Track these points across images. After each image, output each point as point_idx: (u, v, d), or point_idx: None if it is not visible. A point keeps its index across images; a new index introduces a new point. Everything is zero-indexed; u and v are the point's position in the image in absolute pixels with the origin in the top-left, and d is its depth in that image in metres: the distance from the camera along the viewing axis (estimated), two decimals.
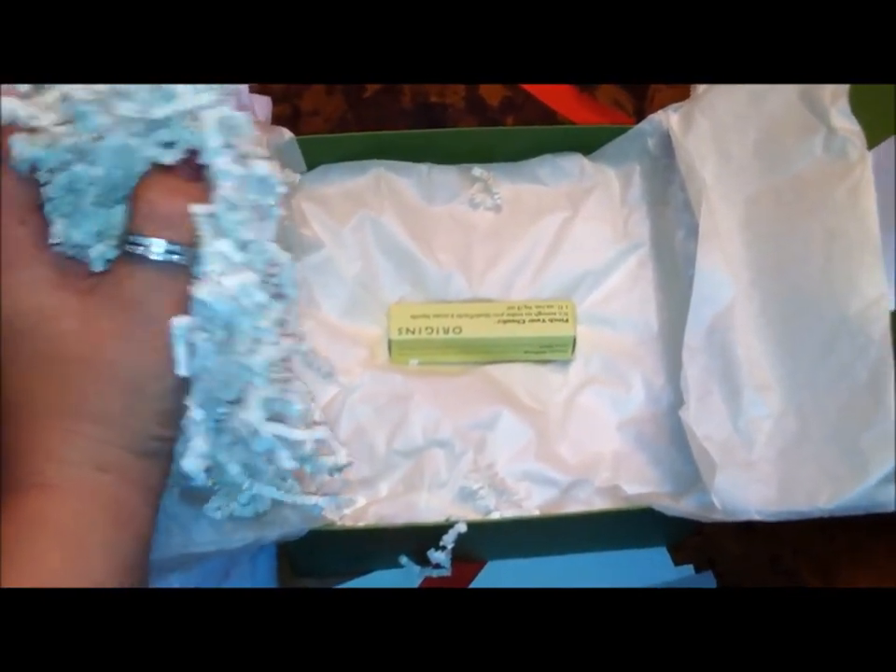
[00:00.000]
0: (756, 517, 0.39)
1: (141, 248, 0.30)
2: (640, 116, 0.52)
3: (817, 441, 0.39)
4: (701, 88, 0.47)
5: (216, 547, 0.38)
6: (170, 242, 0.30)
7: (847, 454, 0.37)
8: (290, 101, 0.58)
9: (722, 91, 0.45)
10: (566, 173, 0.51)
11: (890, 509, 0.36)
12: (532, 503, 0.47)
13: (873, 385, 0.37)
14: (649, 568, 0.50)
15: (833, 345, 0.39)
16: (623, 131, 0.50)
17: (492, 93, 0.58)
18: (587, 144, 0.51)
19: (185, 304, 0.30)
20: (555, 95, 0.57)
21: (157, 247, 0.30)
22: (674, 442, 0.47)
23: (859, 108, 0.40)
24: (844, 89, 0.40)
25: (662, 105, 0.49)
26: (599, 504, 0.46)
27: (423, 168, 0.51)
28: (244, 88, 0.49)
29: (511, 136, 0.51)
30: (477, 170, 0.51)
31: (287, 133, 0.48)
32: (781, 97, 0.43)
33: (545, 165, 0.52)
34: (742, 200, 0.43)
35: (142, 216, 0.30)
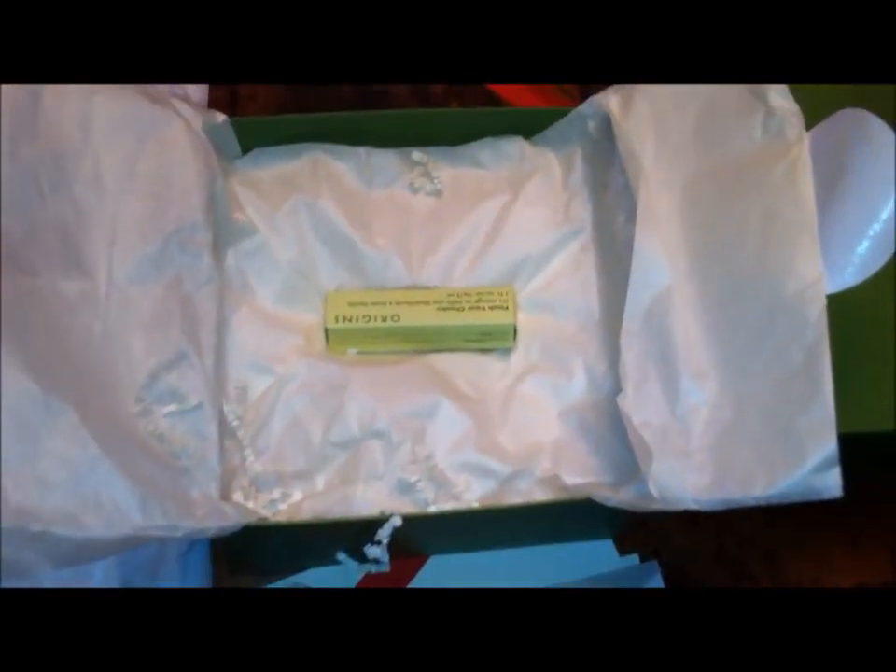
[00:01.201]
0: (692, 506, 0.38)
1: None
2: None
3: (753, 427, 0.38)
4: None
5: (164, 533, 0.37)
6: None
7: (782, 439, 0.36)
8: (227, 85, 0.56)
9: None
10: (506, 156, 0.50)
11: (828, 495, 0.35)
12: (472, 495, 0.46)
13: (809, 369, 0.36)
14: (593, 559, 0.49)
15: (769, 329, 0.38)
16: (564, 113, 0.49)
17: None
18: (528, 127, 0.50)
19: None
20: None
21: None
22: (615, 430, 0.46)
23: (796, 89, 0.39)
24: None
25: None
26: (540, 495, 0.45)
27: (361, 151, 0.50)
28: None
29: (452, 119, 0.50)
30: (416, 154, 0.50)
31: (220, 116, 0.46)
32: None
33: (485, 149, 0.50)
34: (681, 183, 0.43)
35: None
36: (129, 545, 0.38)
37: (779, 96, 0.39)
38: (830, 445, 0.35)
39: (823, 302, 0.36)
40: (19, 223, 0.41)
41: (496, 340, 0.48)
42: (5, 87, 0.41)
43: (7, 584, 0.34)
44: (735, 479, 0.37)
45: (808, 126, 0.39)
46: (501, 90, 0.56)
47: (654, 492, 0.39)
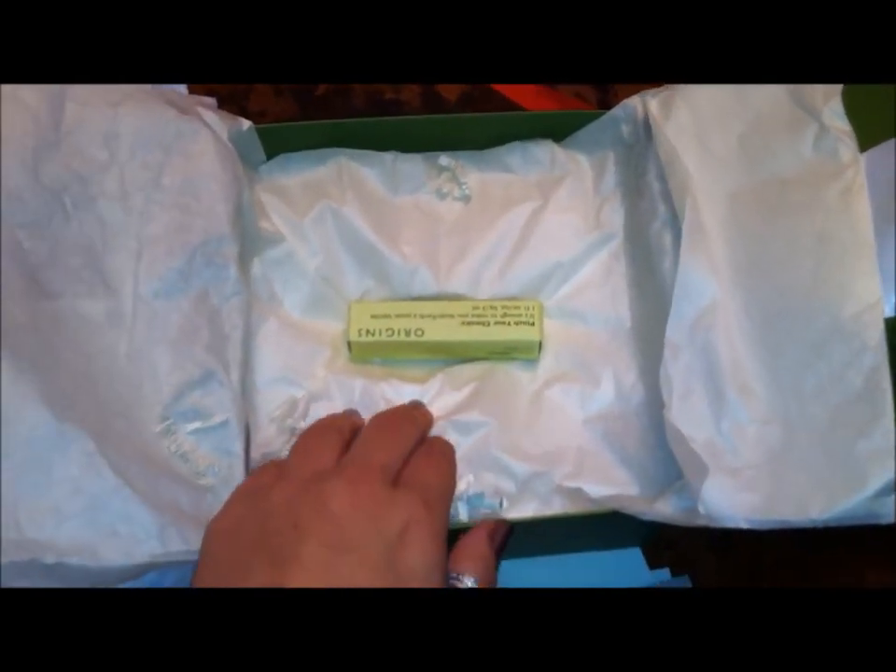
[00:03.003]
0: (744, 525, 0.38)
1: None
2: (603, 107, 0.50)
3: (805, 448, 0.38)
4: None
5: (182, 558, 0.37)
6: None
7: (840, 463, 0.36)
8: (237, 102, 0.54)
9: None
10: (536, 160, 0.49)
11: (888, 520, 0.35)
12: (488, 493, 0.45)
13: (868, 393, 0.36)
14: (623, 572, 0.49)
15: (823, 351, 0.38)
16: (595, 117, 0.48)
17: (449, 89, 0.55)
18: (557, 131, 0.49)
19: None
20: (515, 88, 0.55)
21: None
22: (642, 442, 0.46)
23: (850, 110, 0.39)
24: (837, 88, 0.39)
25: (625, 96, 0.47)
26: (558, 502, 0.45)
27: (387, 157, 0.49)
28: (183, 91, 0.46)
29: (479, 123, 0.49)
30: (444, 158, 0.49)
31: (245, 123, 0.45)
32: (768, 91, 0.41)
33: (514, 153, 0.49)
34: (725, 195, 0.42)
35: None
36: (145, 571, 0.37)
37: (834, 115, 0.39)
38: (890, 471, 0.35)
39: (882, 326, 0.36)
40: (42, 244, 0.40)
41: (521, 353, 0.48)
42: (26, 102, 0.39)
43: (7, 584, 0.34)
44: (788, 500, 0.37)
45: (861, 148, 0.38)
46: (516, 96, 0.55)
47: (702, 509, 0.38)
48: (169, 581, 0.43)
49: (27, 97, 0.39)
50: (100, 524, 0.36)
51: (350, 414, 0.42)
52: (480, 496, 0.44)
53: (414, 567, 0.32)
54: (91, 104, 0.41)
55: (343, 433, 0.38)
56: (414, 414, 0.42)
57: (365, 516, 0.32)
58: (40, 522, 0.35)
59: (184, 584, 0.39)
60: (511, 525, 0.39)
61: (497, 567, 0.36)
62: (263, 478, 0.36)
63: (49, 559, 0.34)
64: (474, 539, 0.37)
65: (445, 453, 0.39)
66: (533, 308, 0.47)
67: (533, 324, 0.46)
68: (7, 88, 0.39)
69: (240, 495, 0.36)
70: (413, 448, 0.38)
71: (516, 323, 0.46)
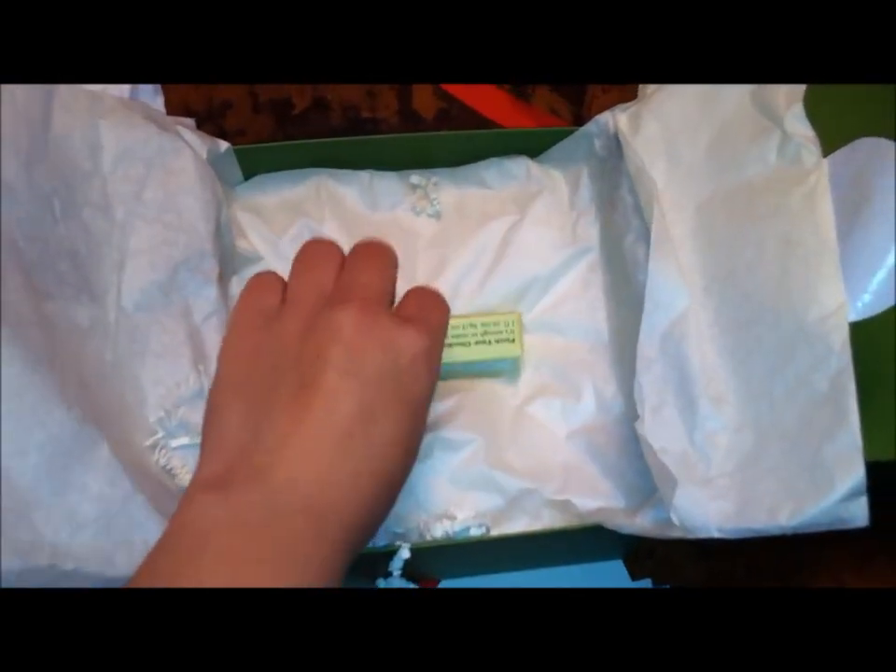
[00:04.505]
0: (716, 534, 0.38)
1: None
2: (578, 122, 0.50)
3: (775, 454, 0.38)
4: (650, 88, 0.45)
5: None
6: None
7: (807, 468, 0.36)
8: (214, 121, 0.54)
9: (672, 93, 0.44)
10: (512, 176, 0.50)
11: (854, 525, 0.35)
12: (478, 512, 0.45)
13: (834, 397, 0.36)
14: (605, 584, 0.49)
15: (790, 356, 0.38)
16: (568, 133, 0.49)
17: (426, 106, 0.55)
18: (530, 148, 0.50)
19: None
20: (491, 104, 0.55)
21: None
22: (625, 453, 0.46)
23: (813, 114, 0.39)
24: (798, 93, 0.39)
25: (599, 111, 0.47)
26: (548, 516, 0.45)
27: (364, 175, 0.49)
28: (161, 109, 0.47)
29: (453, 141, 0.49)
30: (415, 177, 0.49)
31: (223, 144, 0.45)
32: (733, 100, 0.41)
33: (490, 168, 0.50)
34: (693, 205, 0.42)
35: None
36: None
37: (796, 121, 0.39)
38: (858, 474, 0.35)
39: (847, 330, 0.36)
40: (34, 245, 0.40)
41: (502, 369, 0.48)
42: (18, 101, 0.39)
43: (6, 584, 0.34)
44: (759, 507, 0.37)
45: (824, 153, 0.38)
46: (492, 113, 0.55)
47: (675, 520, 0.38)
48: None
49: (19, 97, 0.39)
50: (114, 531, 0.36)
51: (333, 241, 0.41)
52: (465, 530, 0.44)
53: (420, 398, 0.34)
54: (76, 113, 0.41)
55: (336, 257, 0.38)
56: (390, 244, 0.41)
57: (378, 346, 0.33)
58: (57, 526, 0.35)
59: None
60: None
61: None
62: (267, 298, 0.36)
63: (69, 566, 0.34)
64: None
65: (437, 292, 0.39)
66: (512, 324, 0.46)
67: (513, 340, 0.46)
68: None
69: (248, 317, 0.36)
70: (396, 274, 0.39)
71: (497, 341, 0.46)
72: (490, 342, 0.46)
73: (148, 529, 0.36)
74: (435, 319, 0.37)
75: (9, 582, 0.33)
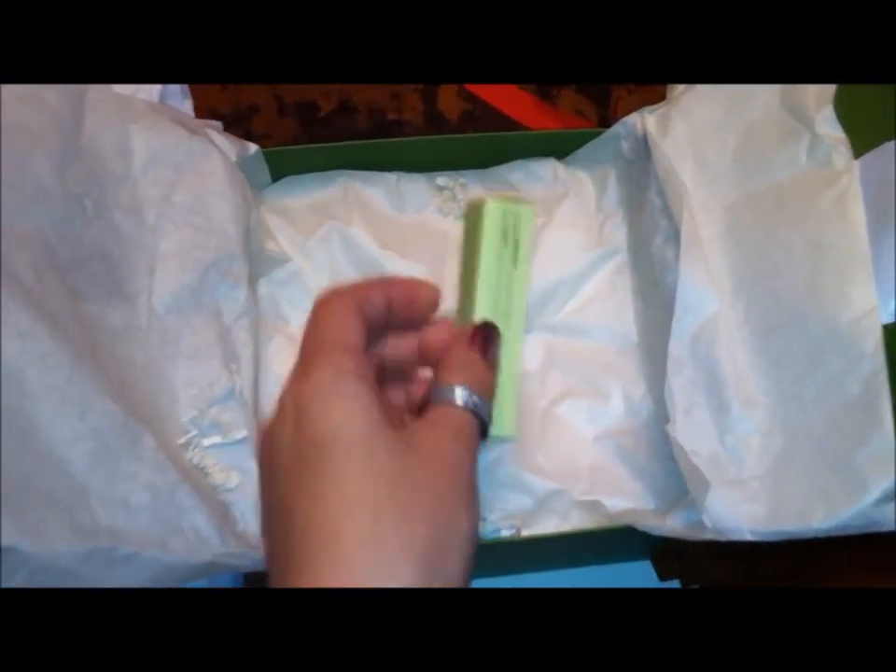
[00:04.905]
0: (749, 537, 0.38)
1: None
2: (603, 123, 0.50)
3: (807, 457, 0.38)
4: (678, 90, 0.45)
5: (237, 561, 0.38)
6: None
7: (840, 471, 0.36)
8: (241, 124, 0.54)
9: (700, 94, 0.44)
10: (538, 178, 0.50)
11: (888, 528, 0.35)
12: (508, 513, 0.45)
13: (866, 400, 0.36)
14: (635, 584, 0.49)
15: (821, 358, 0.38)
16: (595, 135, 0.49)
17: (450, 107, 0.55)
18: (557, 150, 0.50)
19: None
20: (515, 106, 0.55)
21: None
22: (654, 456, 0.46)
23: (843, 116, 0.39)
24: (828, 95, 0.39)
25: (625, 113, 0.47)
26: (577, 517, 0.45)
27: (391, 177, 0.49)
28: (189, 112, 0.47)
29: (480, 143, 0.49)
30: (442, 179, 0.50)
31: (252, 147, 0.46)
32: (762, 102, 0.41)
33: (517, 170, 0.50)
34: (721, 207, 0.42)
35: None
36: (206, 572, 0.38)
37: (826, 123, 0.39)
38: (890, 478, 0.35)
39: (880, 332, 0.36)
40: (66, 246, 0.40)
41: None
42: (50, 103, 0.40)
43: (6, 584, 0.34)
44: (791, 510, 0.37)
45: (854, 155, 0.38)
46: (517, 114, 0.55)
47: (708, 522, 0.38)
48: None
49: (50, 99, 0.40)
50: (166, 518, 0.36)
51: None
52: (496, 531, 0.45)
53: None
54: (107, 116, 0.42)
55: None
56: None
57: None
58: (113, 511, 0.35)
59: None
60: (491, 325, 0.33)
61: (490, 371, 0.32)
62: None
63: (128, 549, 0.35)
64: (455, 348, 0.32)
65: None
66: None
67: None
68: (30, 88, 0.40)
69: None
70: None
71: None
72: None
73: (196, 517, 0.37)
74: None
75: (77, 565, 0.33)
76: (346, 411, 0.27)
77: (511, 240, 0.33)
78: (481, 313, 0.32)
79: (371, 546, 0.25)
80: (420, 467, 0.27)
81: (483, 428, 0.30)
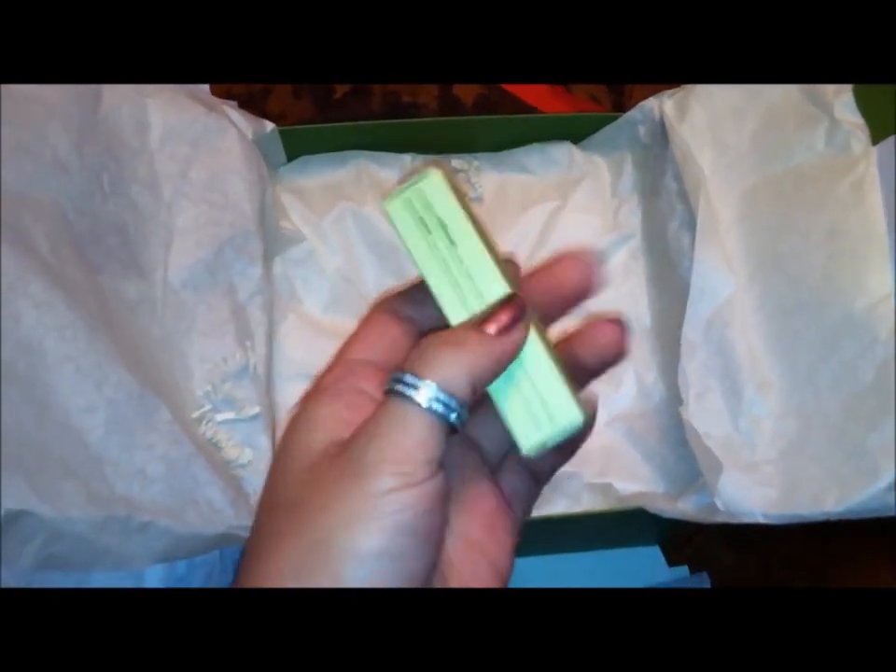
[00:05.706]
0: (761, 520, 0.38)
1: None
2: (618, 109, 0.50)
3: (819, 442, 0.38)
4: None
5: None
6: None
7: (853, 455, 0.36)
8: (256, 105, 0.54)
9: None
10: (554, 162, 0.50)
11: None
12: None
13: (879, 386, 0.36)
14: (643, 569, 0.49)
15: (835, 344, 0.38)
16: (611, 119, 0.49)
17: (466, 91, 0.55)
18: (573, 134, 0.50)
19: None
20: (530, 91, 0.55)
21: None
22: (665, 440, 0.46)
23: (862, 102, 0.39)
24: None
25: (640, 99, 0.47)
26: (587, 499, 0.45)
27: (406, 158, 0.49)
28: (206, 90, 0.47)
29: (496, 126, 0.49)
30: (456, 161, 0.50)
31: (269, 125, 0.46)
32: (781, 87, 0.41)
33: (533, 154, 0.50)
34: (739, 192, 0.42)
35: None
36: (219, 544, 0.38)
37: (846, 109, 0.39)
38: None
39: (893, 320, 0.36)
40: (83, 219, 0.40)
41: None
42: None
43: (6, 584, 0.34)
44: (804, 494, 0.37)
45: (873, 141, 0.38)
46: (531, 99, 0.55)
47: (720, 505, 0.38)
48: (197, 581, 0.43)
49: None
50: (181, 489, 0.37)
51: None
52: None
53: None
54: (124, 91, 0.42)
55: None
56: None
57: None
58: (129, 480, 0.35)
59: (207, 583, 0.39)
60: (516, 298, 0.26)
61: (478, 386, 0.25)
62: None
63: (143, 518, 0.35)
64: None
65: None
66: None
67: None
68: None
69: None
70: None
71: None
72: None
73: (210, 489, 0.37)
74: None
75: (92, 533, 0.33)
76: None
77: (433, 223, 0.27)
78: (454, 315, 0.26)
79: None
80: None
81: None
